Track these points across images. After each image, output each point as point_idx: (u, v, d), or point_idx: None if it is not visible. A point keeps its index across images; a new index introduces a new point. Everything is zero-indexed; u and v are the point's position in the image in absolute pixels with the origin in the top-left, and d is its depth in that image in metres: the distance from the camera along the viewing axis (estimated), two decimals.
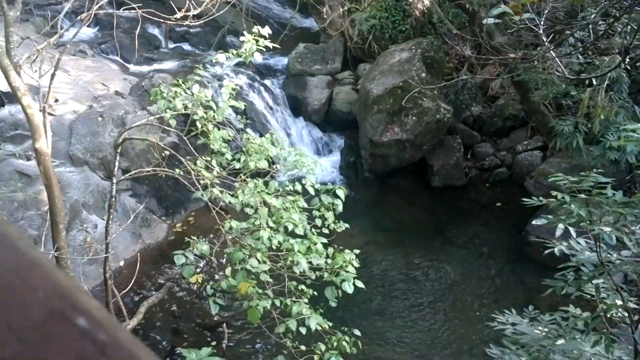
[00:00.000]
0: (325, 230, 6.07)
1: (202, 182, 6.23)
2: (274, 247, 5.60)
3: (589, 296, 3.82)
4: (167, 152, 7.01)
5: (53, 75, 6.91)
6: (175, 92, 6.48)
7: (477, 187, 13.03)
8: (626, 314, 3.61)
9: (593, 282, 3.57)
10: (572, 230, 3.69)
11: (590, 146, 10.85)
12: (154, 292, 9.27)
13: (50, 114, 9.32)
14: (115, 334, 0.51)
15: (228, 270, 5.54)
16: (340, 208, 6.05)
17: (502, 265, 10.66)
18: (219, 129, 6.63)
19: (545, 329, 3.67)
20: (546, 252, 3.66)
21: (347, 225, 6.24)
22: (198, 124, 6.47)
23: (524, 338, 3.63)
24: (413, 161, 13.00)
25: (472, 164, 13.46)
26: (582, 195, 3.47)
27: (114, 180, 7.18)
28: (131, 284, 8.05)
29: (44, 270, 0.56)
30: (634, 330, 3.46)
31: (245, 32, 6.44)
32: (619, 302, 3.56)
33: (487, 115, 13.96)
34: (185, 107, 6.47)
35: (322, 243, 5.76)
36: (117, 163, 7.22)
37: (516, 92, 13.13)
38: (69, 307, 0.52)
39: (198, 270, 5.76)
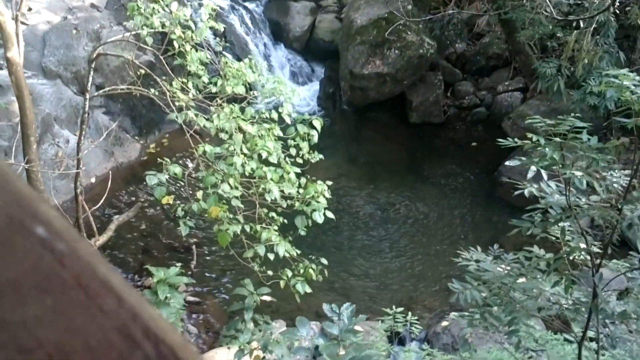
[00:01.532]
0: (300, 160, 6.06)
1: (177, 104, 6.14)
2: (247, 174, 5.60)
3: (554, 238, 3.90)
4: (143, 71, 6.86)
5: None
6: (153, 8, 6.29)
7: (454, 126, 13.07)
8: (589, 257, 3.71)
9: (559, 224, 3.64)
10: (543, 173, 3.73)
11: (571, 90, 10.88)
12: (125, 211, 9.28)
13: (23, 22, 9.02)
14: (74, 244, 0.51)
15: (200, 194, 5.55)
16: (315, 139, 6.04)
17: (473, 204, 10.83)
18: (196, 50, 6.49)
19: (508, 267, 3.76)
20: (516, 193, 3.70)
21: (321, 156, 6.23)
22: (175, 44, 6.33)
23: (486, 275, 3.72)
24: (392, 96, 12.94)
25: (451, 102, 13.45)
26: (557, 139, 3.49)
27: (87, 96, 7.05)
28: (102, 201, 8.03)
29: (4, 178, 0.55)
30: (594, 273, 3.56)
31: None
32: (583, 246, 3.64)
33: (471, 53, 13.86)
34: (163, 25, 6.30)
35: (295, 172, 5.77)
36: (90, 78, 7.07)
37: (502, 31, 13.02)
38: (28, 215, 0.52)
39: (170, 191, 5.75)
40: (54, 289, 0.46)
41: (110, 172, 9.37)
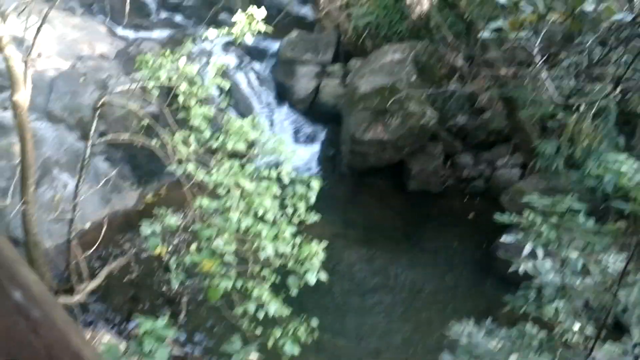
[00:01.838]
0: (296, 220, 6.06)
1: (177, 156, 6.18)
2: (242, 230, 5.59)
3: (547, 318, 3.87)
4: (146, 122, 6.94)
5: (39, 28, 6.79)
6: (161, 62, 6.41)
7: (452, 197, 13.10)
8: (582, 339, 3.67)
9: (553, 304, 3.62)
10: (539, 251, 3.73)
11: (570, 170, 10.97)
12: (117, 258, 9.21)
13: (32, 67, 9.16)
14: (50, 312, 0.48)
15: (193, 247, 5.52)
16: (313, 199, 6.06)
17: (467, 276, 10.77)
18: (201, 106, 6.58)
19: (500, 344, 3.71)
20: (511, 269, 3.70)
21: (318, 217, 6.24)
22: (180, 98, 6.42)
23: (478, 349, 3.68)
24: (392, 162, 13.03)
25: (450, 173, 13.52)
26: (553, 219, 3.51)
27: (89, 143, 7.10)
28: (95, 247, 7.99)
29: None
30: (587, 356, 3.52)
31: (240, 11, 6.39)
32: (577, 327, 3.61)
33: (472, 126, 14.02)
34: (170, 79, 6.41)
35: (290, 232, 5.76)
36: (94, 125, 7.14)
37: (504, 108, 13.22)
38: (7, 278, 0.50)
39: (164, 243, 5.72)
40: (25, 359, 0.43)
41: (106, 218, 9.35)
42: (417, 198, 12.86)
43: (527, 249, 3.68)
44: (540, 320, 3.88)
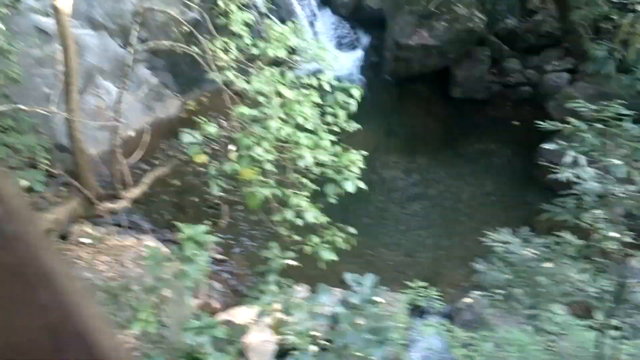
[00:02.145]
0: (336, 129, 6.03)
1: (218, 63, 6.16)
2: (282, 139, 5.60)
3: (586, 225, 3.83)
4: (187, 28, 6.88)
5: None
6: None
7: (497, 103, 12.82)
8: (621, 247, 3.64)
9: (593, 212, 3.57)
10: (582, 159, 3.65)
11: (622, 75, 10.57)
12: (160, 165, 9.39)
13: None
14: (25, 228, 0.47)
15: (234, 155, 5.58)
16: (353, 108, 6.00)
17: (508, 184, 10.69)
18: (241, 11, 6.46)
19: (537, 251, 3.71)
20: (551, 177, 3.63)
21: (358, 125, 6.20)
22: (221, 3, 6.32)
23: (512, 257, 3.69)
24: (437, 69, 12.74)
25: (497, 79, 13.17)
26: (599, 125, 3.41)
27: (131, 49, 7.11)
28: (138, 154, 8.14)
29: None
30: (623, 263, 3.50)
31: None
32: (615, 235, 3.57)
33: (522, 30, 13.51)
34: None
35: (330, 140, 5.75)
36: (135, 32, 7.12)
37: (556, 9, 12.65)
38: None
39: (205, 151, 5.79)
40: None
41: (149, 126, 9.47)
42: (462, 106, 12.63)
43: (570, 156, 3.59)
44: (579, 229, 3.84)
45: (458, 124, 12.24)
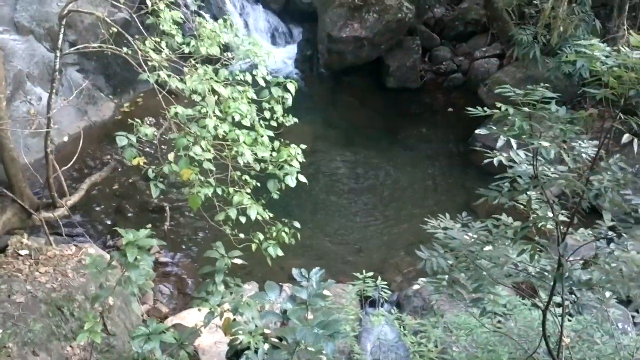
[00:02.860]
0: (273, 124, 5.98)
1: (149, 63, 6.00)
2: (220, 137, 5.52)
3: (522, 207, 3.91)
4: (115, 29, 6.69)
5: None
6: None
7: (431, 91, 13.04)
8: (556, 226, 3.72)
9: (527, 193, 3.64)
10: (513, 142, 3.71)
11: (547, 58, 10.87)
12: (97, 170, 9.16)
13: None
14: None
15: (171, 156, 5.46)
16: (289, 102, 5.96)
17: (447, 170, 10.88)
18: (170, 9, 6.33)
19: (475, 236, 3.77)
20: (485, 161, 3.69)
21: (295, 119, 6.16)
22: (149, 1, 6.17)
23: (453, 242, 3.74)
24: (369, 60, 12.84)
25: (428, 67, 13.39)
26: (526, 109, 3.47)
27: (58, 53, 6.87)
28: (74, 160, 7.91)
29: None
30: (559, 242, 3.59)
31: None
32: (550, 215, 3.66)
33: (449, 18, 13.76)
34: None
35: (268, 136, 5.70)
36: (61, 35, 6.88)
37: None
38: None
39: (141, 154, 5.65)
40: None
41: (82, 131, 9.21)
42: (397, 95, 12.80)
43: (502, 139, 3.65)
44: (516, 212, 3.93)
45: (394, 112, 12.39)
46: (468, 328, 4.87)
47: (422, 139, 11.70)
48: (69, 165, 7.84)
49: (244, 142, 5.52)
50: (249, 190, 5.73)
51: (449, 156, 11.26)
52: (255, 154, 5.61)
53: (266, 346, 4.26)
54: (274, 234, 5.69)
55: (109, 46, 6.59)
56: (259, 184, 5.90)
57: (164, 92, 5.94)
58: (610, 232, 3.75)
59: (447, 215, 4.14)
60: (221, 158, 5.69)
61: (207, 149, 5.43)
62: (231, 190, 5.58)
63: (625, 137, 3.43)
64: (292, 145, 5.80)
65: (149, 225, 5.16)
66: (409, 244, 8.73)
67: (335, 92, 12.86)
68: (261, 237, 5.61)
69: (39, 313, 5.62)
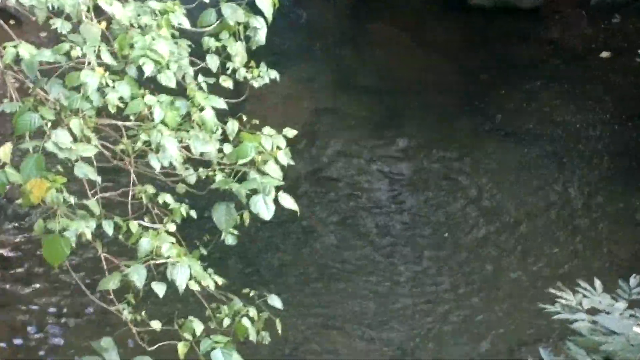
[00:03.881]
0: (228, 84, 5.99)
1: None
2: (111, 109, 5.51)
3: None
4: None
5: None
6: None
7: (562, 15, 13.08)
8: None
9: None
10: None
11: None
12: None
13: None
14: None
15: (4, 150, 5.44)
16: (262, 37, 5.96)
17: (594, 184, 10.85)
18: None
19: None
20: None
21: (275, 74, 6.18)
22: None
23: (610, 342, 3.70)
24: None
25: None
26: None
27: None
28: None
29: None
30: None
31: None
32: None
33: None
34: None
35: (215, 109, 5.69)
36: None
37: None
38: None
39: None
40: None
41: None
42: (489, 22, 13.00)
43: None
44: None
45: (484, 61, 12.38)
46: None
47: (543, 120, 11.69)
48: None
49: (164, 123, 5.50)
50: (173, 226, 5.73)
51: (599, 155, 11.23)
52: (188, 148, 5.60)
53: None
54: (227, 322, 5.69)
55: None
56: (195, 213, 5.89)
57: None
58: None
59: (597, 281, 4.12)
60: (114, 156, 5.68)
61: (83, 136, 5.42)
62: (133, 226, 5.57)
63: None
64: (267, 131, 5.79)
65: None
66: (511, 344, 8.65)
67: (359, 15, 12.89)
68: (198, 327, 5.59)
69: None
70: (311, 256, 9.70)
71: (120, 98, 5.46)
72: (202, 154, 5.64)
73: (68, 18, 5.52)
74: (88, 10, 5.51)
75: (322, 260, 9.73)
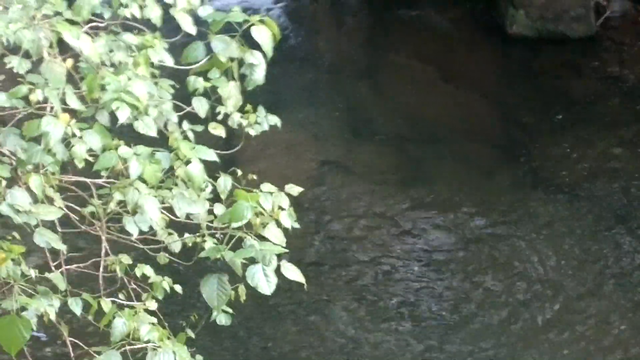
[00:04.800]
0: (218, 132, 5.99)
1: None
2: (79, 164, 5.50)
3: None
4: None
5: None
6: None
7: (621, 46, 13.12)
8: None
9: None
10: None
11: None
12: None
13: None
14: None
15: None
16: (259, 75, 5.95)
17: None
18: None
19: None
20: None
21: (276, 120, 6.18)
22: None
23: None
24: None
25: None
26: None
27: None
28: None
29: None
30: None
31: None
32: None
33: None
34: None
35: (202, 161, 5.68)
36: None
37: None
38: None
39: None
40: None
41: None
42: (533, 54, 13.04)
43: None
44: None
45: (528, 100, 12.45)
46: None
47: (600, 171, 11.68)
48: None
49: (142, 179, 5.49)
50: (154, 304, 5.71)
51: None
52: (171, 210, 5.59)
53: None
54: None
55: None
56: (180, 288, 5.87)
57: None
58: None
59: None
60: (82, 220, 5.68)
61: (45, 196, 5.41)
62: (105, 304, 5.55)
63: None
64: (267, 187, 5.78)
65: None
66: None
67: (377, 44, 12.97)
68: None
69: None
70: (316, 334, 9.70)
71: (90, 150, 5.46)
72: (188, 216, 5.63)
73: (27, 55, 5.52)
74: (51, 46, 5.52)
75: (326, 342, 9.71)
